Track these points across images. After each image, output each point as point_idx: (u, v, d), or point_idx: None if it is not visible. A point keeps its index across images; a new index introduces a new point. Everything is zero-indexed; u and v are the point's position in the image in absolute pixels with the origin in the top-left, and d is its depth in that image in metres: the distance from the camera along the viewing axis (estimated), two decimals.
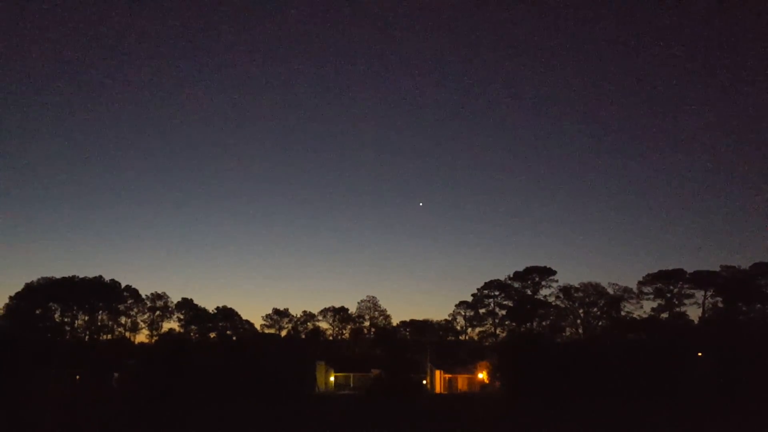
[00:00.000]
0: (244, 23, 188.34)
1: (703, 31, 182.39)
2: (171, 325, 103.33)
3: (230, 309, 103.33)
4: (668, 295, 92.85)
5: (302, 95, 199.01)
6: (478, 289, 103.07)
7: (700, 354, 73.72)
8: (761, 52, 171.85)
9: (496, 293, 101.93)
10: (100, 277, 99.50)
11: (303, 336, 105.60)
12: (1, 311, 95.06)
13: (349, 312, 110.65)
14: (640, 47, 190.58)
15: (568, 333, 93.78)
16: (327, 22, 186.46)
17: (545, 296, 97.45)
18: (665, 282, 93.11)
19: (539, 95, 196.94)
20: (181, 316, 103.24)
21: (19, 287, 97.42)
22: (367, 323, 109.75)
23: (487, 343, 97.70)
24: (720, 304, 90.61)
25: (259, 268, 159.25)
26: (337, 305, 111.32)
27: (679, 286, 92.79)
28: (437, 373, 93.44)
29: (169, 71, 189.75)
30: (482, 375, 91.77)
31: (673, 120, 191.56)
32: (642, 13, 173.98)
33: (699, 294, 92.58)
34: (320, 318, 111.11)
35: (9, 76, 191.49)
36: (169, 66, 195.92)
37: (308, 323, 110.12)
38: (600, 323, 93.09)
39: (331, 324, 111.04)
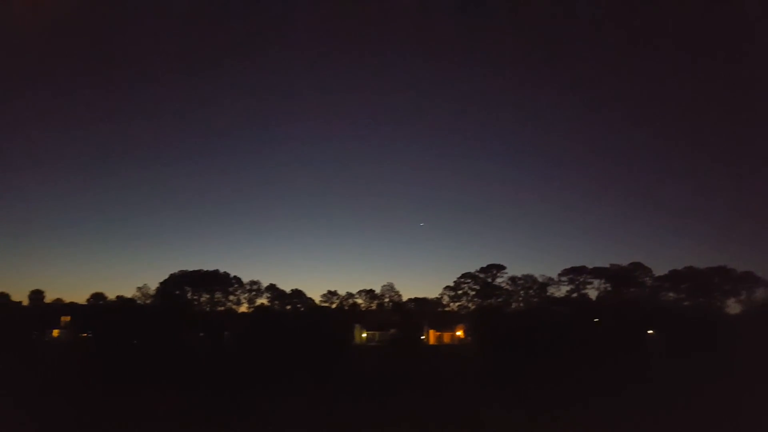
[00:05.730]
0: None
1: None
2: (262, 300, 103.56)
3: (299, 290, 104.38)
4: (576, 282, 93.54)
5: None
6: (457, 278, 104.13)
7: (596, 320, 74.52)
8: None
9: (469, 281, 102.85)
10: (217, 270, 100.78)
11: (346, 308, 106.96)
12: (154, 292, 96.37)
13: (376, 292, 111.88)
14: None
15: (514, 307, 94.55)
16: (332, 46, 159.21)
17: (499, 283, 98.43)
18: (574, 274, 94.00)
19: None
20: (269, 295, 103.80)
21: (165, 276, 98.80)
22: (387, 299, 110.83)
23: (463, 313, 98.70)
24: (609, 289, 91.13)
25: (320, 263, 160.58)
26: (368, 288, 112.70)
27: (583, 276, 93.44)
28: (431, 331, 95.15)
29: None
30: (460, 333, 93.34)
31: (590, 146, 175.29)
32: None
33: (596, 282, 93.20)
34: (357, 296, 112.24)
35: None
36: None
37: (349, 300, 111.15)
38: (534, 300, 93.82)
39: (363, 300, 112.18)
